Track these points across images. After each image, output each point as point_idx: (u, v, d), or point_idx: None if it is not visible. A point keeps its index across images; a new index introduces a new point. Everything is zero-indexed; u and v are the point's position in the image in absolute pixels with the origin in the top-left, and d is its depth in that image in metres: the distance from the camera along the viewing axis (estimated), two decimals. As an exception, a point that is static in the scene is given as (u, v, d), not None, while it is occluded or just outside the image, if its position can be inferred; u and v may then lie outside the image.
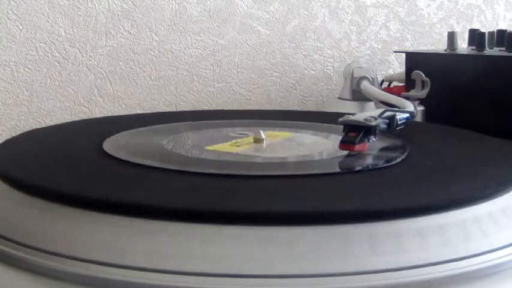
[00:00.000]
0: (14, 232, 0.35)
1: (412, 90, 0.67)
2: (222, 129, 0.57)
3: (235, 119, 0.62)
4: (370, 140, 0.47)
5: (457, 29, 0.99)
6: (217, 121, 0.60)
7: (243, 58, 0.86)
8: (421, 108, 0.69)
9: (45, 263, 0.33)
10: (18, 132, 0.73)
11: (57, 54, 0.77)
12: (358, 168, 0.45)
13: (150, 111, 0.81)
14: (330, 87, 0.92)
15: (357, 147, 0.46)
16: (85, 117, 0.78)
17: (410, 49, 0.95)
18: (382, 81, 0.84)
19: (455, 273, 0.32)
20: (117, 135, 0.52)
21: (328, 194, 0.38)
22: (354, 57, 0.93)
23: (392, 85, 0.84)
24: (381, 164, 0.45)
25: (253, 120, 0.60)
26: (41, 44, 0.76)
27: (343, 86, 0.81)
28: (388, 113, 0.50)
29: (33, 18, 0.76)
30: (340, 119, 0.48)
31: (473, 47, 0.73)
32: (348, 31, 0.93)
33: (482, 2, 1.01)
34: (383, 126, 0.49)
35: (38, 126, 0.76)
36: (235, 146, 0.50)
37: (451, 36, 0.74)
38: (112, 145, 0.48)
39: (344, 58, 0.92)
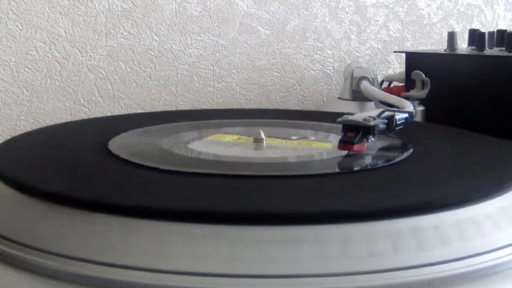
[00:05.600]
0: (14, 232, 0.35)
1: (412, 90, 0.67)
2: (222, 129, 0.57)
3: (235, 118, 0.62)
4: (369, 140, 0.47)
5: (457, 29, 0.99)
6: (217, 121, 0.60)
7: (243, 58, 0.86)
8: (421, 108, 0.69)
9: (45, 263, 0.33)
10: (18, 132, 0.73)
11: (57, 54, 0.77)
12: (357, 168, 0.45)
13: (150, 111, 0.81)
14: (330, 87, 0.92)
15: (356, 147, 0.46)
16: (85, 117, 0.78)
17: (410, 49, 0.95)
18: (382, 81, 0.84)
19: (455, 273, 0.32)
20: (116, 135, 0.52)
21: (326, 194, 0.38)
22: (354, 57, 0.93)
23: (392, 85, 0.84)
24: (380, 163, 0.45)
25: (253, 120, 0.60)
26: (41, 44, 0.76)
27: (343, 86, 0.81)
28: (387, 113, 0.50)
29: (33, 18, 0.76)
30: (339, 119, 0.48)
31: (473, 47, 0.73)
32: (348, 31, 0.93)
33: (482, 2, 1.01)
34: (382, 126, 0.49)
35: (38, 126, 0.76)
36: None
37: (451, 36, 0.74)
38: (112, 146, 0.48)
39: (344, 58, 0.92)
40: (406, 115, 0.53)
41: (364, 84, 0.77)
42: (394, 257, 0.32)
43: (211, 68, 0.85)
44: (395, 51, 0.93)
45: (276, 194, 0.38)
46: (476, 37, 0.73)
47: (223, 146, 0.51)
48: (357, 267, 0.31)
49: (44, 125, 0.77)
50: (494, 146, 0.51)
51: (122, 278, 0.31)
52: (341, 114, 0.49)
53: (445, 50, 0.74)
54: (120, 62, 0.80)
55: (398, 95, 0.67)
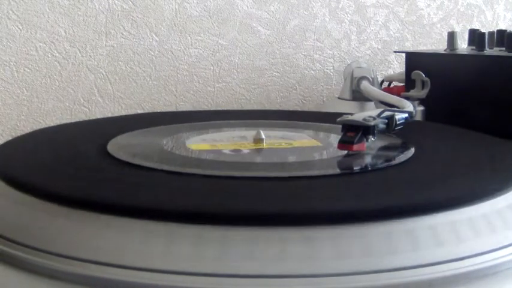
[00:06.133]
0: (14, 232, 0.35)
1: (412, 90, 0.67)
2: (222, 129, 0.57)
3: (235, 119, 0.62)
4: (369, 140, 0.47)
5: (457, 29, 0.99)
6: (217, 121, 0.60)
7: (243, 58, 0.86)
8: (421, 108, 0.69)
9: (45, 263, 0.33)
10: (19, 132, 0.73)
11: (57, 54, 0.77)
12: (356, 168, 0.45)
13: (150, 111, 0.81)
14: (330, 87, 0.92)
15: (355, 147, 0.46)
16: (85, 117, 0.78)
17: (410, 49, 0.95)
18: (382, 81, 0.84)
19: (455, 273, 0.32)
20: (116, 136, 0.52)
21: (326, 195, 0.38)
22: (354, 57, 0.93)
23: (392, 85, 0.84)
24: (379, 164, 0.45)
25: (253, 121, 0.60)
26: (41, 44, 0.76)
27: (343, 86, 0.81)
28: (386, 113, 0.50)
29: (33, 18, 0.76)
30: (339, 119, 0.47)
31: (473, 47, 0.73)
32: (348, 31, 0.93)
33: (482, 2, 1.01)
34: (382, 126, 0.49)
35: (38, 126, 0.76)
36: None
37: (451, 36, 0.74)
38: (112, 146, 0.48)
39: (344, 58, 0.93)
40: (406, 115, 0.53)
41: (364, 84, 0.77)
42: (395, 257, 0.32)
43: (211, 68, 0.85)
44: (395, 51, 0.93)
45: (276, 194, 0.38)
46: (476, 37, 0.73)
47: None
48: (358, 267, 0.31)
49: (44, 125, 0.77)
50: (494, 146, 0.51)
51: (122, 278, 0.31)
52: (341, 114, 0.49)
53: (445, 50, 0.74)
54: (120, 62, 0.80)
55: (398, 95, 0.67)
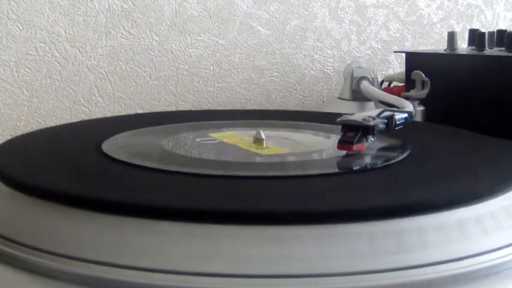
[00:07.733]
0: (14, 232, 0.35)
1: (412, 90, 0.67)
2: (223, 129, 0.57)
3: (235, 119, 0.62)
4: (369, 140, 0.47)
5: (457, 29, 0.99)
6: (217, 121, 0.60)
7: (243, 58, 0.86)
8: (421, 108, 0.69)
9: (45, 263, 0.33)
10: (19, 133, 0.73)
11: (57, 54, 0.77)
12: (356, 167, 0.45)
13: (150, 111, 0.81)
14: (330, 87, 0.92)
15: (355, 147, 0.46)
16: (85, 117, 0.78)
17: (410, 49, 0.95)
18: (382, 81, 0.84)
19: (455, 273, 0.32)
20: (116, 135, 0.52)
21: (326, 194, 0.38)
22: (354, 57, 0.93)
23: (392, 85, 0.84)
24: (379, 163, 0.45)
25: (253, 121, 0.60)
26: (41, 44, 0.76)
27: (343, 86, 0.81)
28: (386, 113, 0.50)
29: (33, 18, 0.76)
30: (338, 119, 0.48)
31: (473, 47, 0.73)
32: (348, 31, 0.93)
33: (482, 2, 1.01)
34: (381, 126, 0.49)
35: (38, 126, 0.76)
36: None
37: (451, 36, 0.74)
38: (112, 146, 0.48)
39: (344, 58, 0.93)
40: (406, 115, 0.53)
41: (364, 84, 0.77)
42: (394, 256, 0.32)
43: (211, 68, 0.85)
44: (395, 51, 0.93)
45: (276, 194, 0.38)
46: (476, 37, 0.73)
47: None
48: (357, 267, 0.31)
49: (44, 125, 0.77)
50: (494, 146, 0.51)
51: (122, 278, 0.31)
52: (341, 114, 0.49)
53: (445, 50, 0.74)
54: (120, 62, 0.80)
55: (399, 95, 0.67)
